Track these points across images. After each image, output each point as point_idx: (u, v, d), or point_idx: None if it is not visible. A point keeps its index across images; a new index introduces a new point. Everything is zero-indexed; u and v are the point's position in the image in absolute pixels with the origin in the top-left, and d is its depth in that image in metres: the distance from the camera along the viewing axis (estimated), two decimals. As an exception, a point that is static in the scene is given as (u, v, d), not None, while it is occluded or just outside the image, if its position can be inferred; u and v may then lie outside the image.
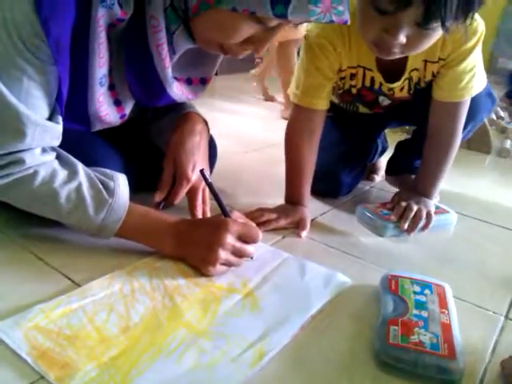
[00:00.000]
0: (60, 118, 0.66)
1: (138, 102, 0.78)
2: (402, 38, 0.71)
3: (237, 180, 1.15)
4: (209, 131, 0.90)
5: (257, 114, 2.07)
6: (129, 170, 0.79)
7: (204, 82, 0.83)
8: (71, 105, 0.68)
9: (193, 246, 0.68)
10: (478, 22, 0.83)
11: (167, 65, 0.69)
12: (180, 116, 0.85)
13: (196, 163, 0.81)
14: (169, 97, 0.76)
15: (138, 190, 0.80)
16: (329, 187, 1.06)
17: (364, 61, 0.88)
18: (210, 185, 0.74)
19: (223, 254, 0.66)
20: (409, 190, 1.00)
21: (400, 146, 1.17)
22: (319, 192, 1.05)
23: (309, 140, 0.92)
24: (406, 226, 0.89)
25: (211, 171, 0.95)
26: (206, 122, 0.89)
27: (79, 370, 0.49)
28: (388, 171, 1.18)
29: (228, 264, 0.68)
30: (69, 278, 0.65)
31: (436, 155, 0.96)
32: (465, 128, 0.97)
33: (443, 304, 0.64)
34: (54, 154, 0.68)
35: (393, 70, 0.89)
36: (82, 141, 0.77)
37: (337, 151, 1.07)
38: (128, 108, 0.77)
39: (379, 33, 0.73)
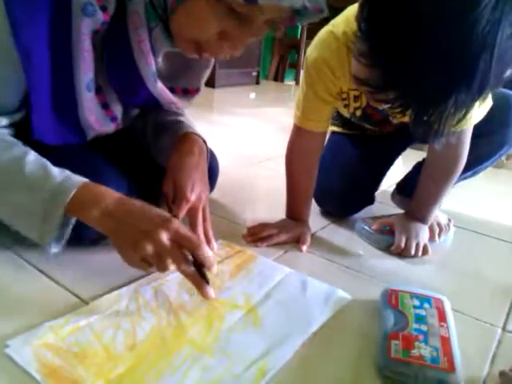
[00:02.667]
0: (4, 121, 0.65)
1: (119, 99, 0.78)
2: (386, 107, 0.70)
3: (237, 195, 1.17)
4: (208, 151, 0.92)
5: (255, 128, 2.10)
6: (132, 188, 0.80)
7: (186, 92, 0.84)
8: (61, 113, 0.69)
9: (124, 225, 0.61)
10: None
11: (149, 60, 0.70)
12: (178, 137, 0.86)
13: (195, 184, 0.81)
14: (149, 93, 0.76)
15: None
16: (341, 209, 1.08)
17: None
18: None
19: (149, 250, 0.59)
20: (408, 215, 0.97)
21: (418, 167, 1.07)
22: (329, 212, 1.07)
23: (309, 160, 0.94)
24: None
25: (211, 190, 0.96)
26: (205, 142, 0.91)
27: (88, 387, 0.50)
28: (400, 191, 1.13)
29: (147, 262, 0.61)
30: (76, 296, 0.66)
31: (436, 183, 0.93)
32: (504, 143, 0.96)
33: (442, 317, 0.66)
34: None
35: None
36: (85, 160, 0.77)
37: (354, 174, 1.05)
38: (117, 110, 0.78)
39: (369, 96, 0.70)
